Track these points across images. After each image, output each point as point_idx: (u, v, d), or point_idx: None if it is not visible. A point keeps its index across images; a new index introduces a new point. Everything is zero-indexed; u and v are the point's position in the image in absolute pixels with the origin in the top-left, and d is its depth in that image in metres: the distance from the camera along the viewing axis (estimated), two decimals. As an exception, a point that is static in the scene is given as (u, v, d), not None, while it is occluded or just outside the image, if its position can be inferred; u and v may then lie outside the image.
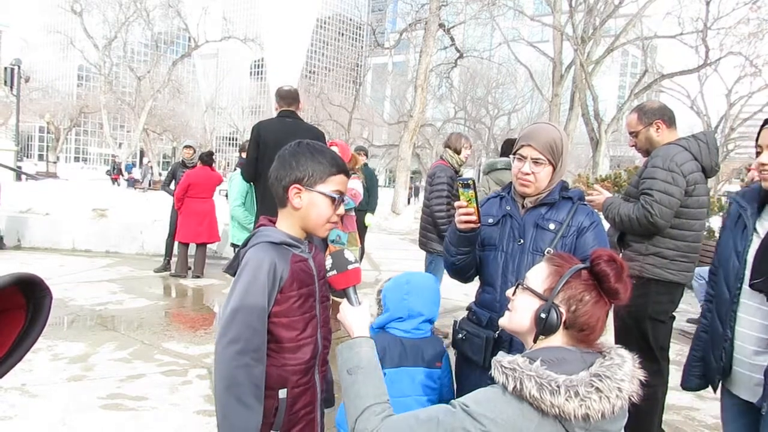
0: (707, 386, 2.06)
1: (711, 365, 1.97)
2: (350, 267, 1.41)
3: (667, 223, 2.74)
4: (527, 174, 1.91)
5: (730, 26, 16.42)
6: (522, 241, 1.92)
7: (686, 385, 2.13)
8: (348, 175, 1.58)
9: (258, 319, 1.42)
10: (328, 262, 1.43)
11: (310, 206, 1.51)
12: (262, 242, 1.49)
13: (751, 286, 1.74)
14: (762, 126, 1.82)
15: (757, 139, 1.85)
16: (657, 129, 2.90)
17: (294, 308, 1.50)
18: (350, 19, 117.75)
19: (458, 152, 4.90)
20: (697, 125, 26.67)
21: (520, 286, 1.32)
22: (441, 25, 18.66)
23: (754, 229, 1.84)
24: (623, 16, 18.15)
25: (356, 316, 1.39)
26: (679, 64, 19.65)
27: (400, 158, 18.04)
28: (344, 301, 1.42)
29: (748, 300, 1.82)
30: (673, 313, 2.99)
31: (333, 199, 1.51)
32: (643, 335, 2.84)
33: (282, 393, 1.49)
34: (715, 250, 2.07)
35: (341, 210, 1.55)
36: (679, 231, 2.78)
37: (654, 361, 2.84)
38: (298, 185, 1.49)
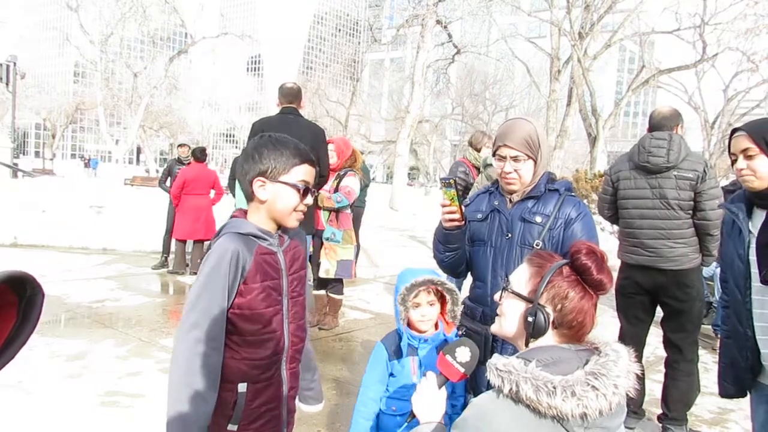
0: (744, 394, 2.04)
1: (739, 366, 2.00)
2: (461, 369, 1.34)
3: (600, 211, 3.43)
4: (509, 173, 1.94)
5: (727, 22, 16.40)
6: (510, 235, 1.95)
7: (724, 394, 2.12)
8: (314, 165, 1.58)
9: (218, 307, 1.43)
10: (461, 352, 1.34)
11: (275, 198, 1.52)
12: (229, 233, 1.51)
13: (763, 281, 1.75)
14: (731, 135, 1.93)
15: (729, 148, 1.94)
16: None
17: (257, 301, 1.49)
18: (347, 15, 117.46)
19: (478, 150, 4.83)
20: (694, 121, 26.66)
21: (505, 290, 1.31)
22: (438, 21, 18.60)
23: (749, 231, 1.90)
24: (621, 11, 18.09)
25: (432, 400, 1.31)
26: (676, 60, 19.63)
27: (398, 154, 17.99)
28: (428, 379, 1.34)
29: (760, 296, 1.88)
30: (638, 293, 3.22)
31: (298, 189, 1.52)
32: None
33: (241, 387, 1.50)
34: (721, 257, 2.15)
35: (308, 200, 1.55)
36: (621, 219, 3.28)
37: None
38: (261, 178, 1.51)
